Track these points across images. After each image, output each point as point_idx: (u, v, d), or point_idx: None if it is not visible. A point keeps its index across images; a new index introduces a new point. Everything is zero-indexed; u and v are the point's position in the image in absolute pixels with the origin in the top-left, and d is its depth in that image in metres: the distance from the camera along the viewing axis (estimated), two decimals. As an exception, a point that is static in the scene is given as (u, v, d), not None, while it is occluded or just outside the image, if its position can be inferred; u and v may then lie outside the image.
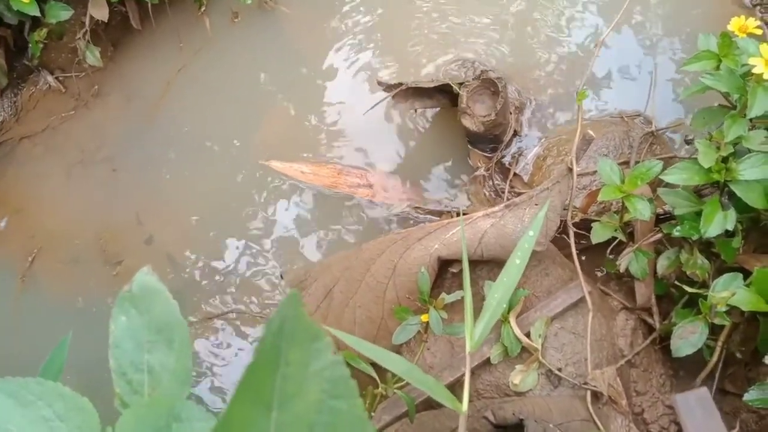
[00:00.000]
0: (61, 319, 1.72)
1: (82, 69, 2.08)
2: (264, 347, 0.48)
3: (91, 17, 1.94)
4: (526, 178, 1.86)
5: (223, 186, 1.94)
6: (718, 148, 1.19)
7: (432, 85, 1.75)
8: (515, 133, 1.91)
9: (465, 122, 1.80)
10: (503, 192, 1.82)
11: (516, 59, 2.05)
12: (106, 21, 1.91)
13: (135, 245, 1.84)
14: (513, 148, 1.90)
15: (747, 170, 1.13)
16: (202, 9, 2.16)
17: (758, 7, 2.03)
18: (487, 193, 1.88)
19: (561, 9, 2.14)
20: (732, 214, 1.15)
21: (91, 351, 1.58)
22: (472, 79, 1.78)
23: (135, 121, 2.03)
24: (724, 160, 1.15)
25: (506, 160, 1.88)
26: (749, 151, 1.15)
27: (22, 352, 1.65)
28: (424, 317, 1.22)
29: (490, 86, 1.77)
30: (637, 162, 1.68)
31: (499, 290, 0.86)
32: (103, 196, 1.91)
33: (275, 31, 2.19)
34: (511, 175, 1.83)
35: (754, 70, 1.05)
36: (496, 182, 1.86)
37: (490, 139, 1.85)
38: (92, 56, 1.95)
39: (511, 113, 1.89)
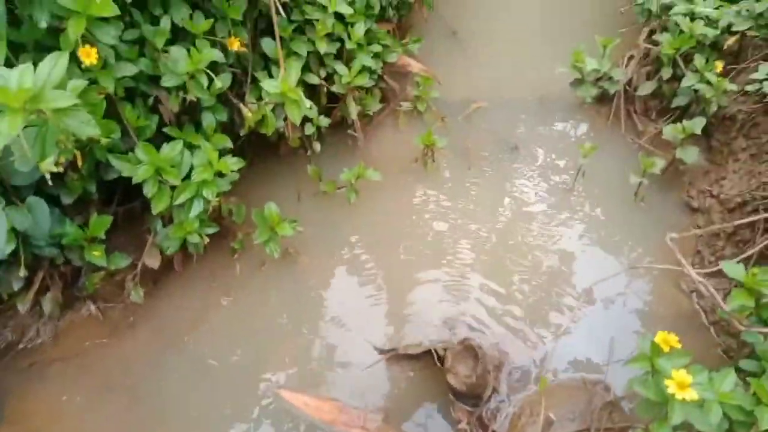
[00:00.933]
0: None
1: (122, 301, 2.41)
2: None
3: (143, 263, 2.33)
4: (503, 435, 2.07)
5: (233, 416, 2.13)
6: (655, 443, 1.46)
7: (420, 350, 2.06)
8: (494, 390, 2.18)
9: (450, 380, 2.08)
10: (483, 448, 2.02)
11: (496, 325, 2.41)
12: (156, 268, 2.30)
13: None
14: (492, 404, 2.15)
15: (677, 469, 1.38)
16: (236, 256, 2.59)
17: (694, 293, 2.47)
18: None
19: (536, 279, 2.58)
20: (669, 508, 1.36)
21: None
22: (457, 343, 2.11)
23: (162, 352, 2.30)
24: (659, 457, 1.41)
25: (486, 415, 2.12)
26: (679, 450, 1.41)
27: None
28: None
29: (471, 351, 2.10)
30: (597, 430, 1.92)
31: None
32: (120, 423, 2.09)
33: (296, 277, 2.59)
34: (489, 432, 2.05)
35: (668, 391, 1.37)
36: (476, 437, 2.07)
37: (471, 396, 2.12)
38: (136, 295, 2.29)
39: (490, 372, 2.18)
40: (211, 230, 2.29)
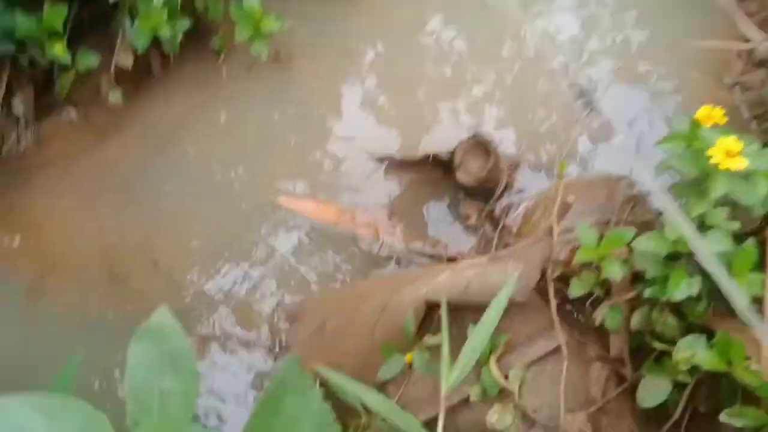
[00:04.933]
0: (67, 334, 1.82)
1: (104, 105, 2.22)
2: (268, 396, 0.60)
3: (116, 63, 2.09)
4: (515, 230, 1.96)
5: (229, 216, 2.05)
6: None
7: (419, 157, 1.88)
8: (507, 187, 2.02)
9: (459, 176, 1.92)
10: (492, 241, 1.92)
11: (515, 116, 2.19)
12: (130, 68, 2.06)
13: (141, 267, 1.95)
14: (504, 201, 2.01)
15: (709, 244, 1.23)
16: (221, 59, 2.32)
17: (737, 86, 2.17)
18: (477, 241, 1.99)
19: (557, 73, 2.29)
20: (697, 281, 1.24)
21: (96, 365, 1.70)
22: (467, 139, 1.92)
23: (150, 154, 2.16)
24: (690, 231, 1.26)
25: (497, 212, 1.99)
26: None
27: (28, 365, 1.75)
28: (408, 357, 1.33)
29: (483, 146, 1.91)
30: (617, 223, 1.79)
31: (474, 340, 0.95)
32: (114, 221, 2.03)
33: (288, 81, 2.34)
34: (500, 226, 1.94)
35: (712, 161, 1.17)
36: (486, 231, 1.97)
37: (482, 192, 1.97)
38: (114, 96, 2.10)
39: (503, 170, 2.01)
40: (184, 23, 2.01)
